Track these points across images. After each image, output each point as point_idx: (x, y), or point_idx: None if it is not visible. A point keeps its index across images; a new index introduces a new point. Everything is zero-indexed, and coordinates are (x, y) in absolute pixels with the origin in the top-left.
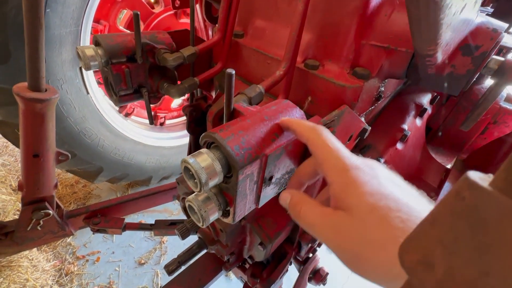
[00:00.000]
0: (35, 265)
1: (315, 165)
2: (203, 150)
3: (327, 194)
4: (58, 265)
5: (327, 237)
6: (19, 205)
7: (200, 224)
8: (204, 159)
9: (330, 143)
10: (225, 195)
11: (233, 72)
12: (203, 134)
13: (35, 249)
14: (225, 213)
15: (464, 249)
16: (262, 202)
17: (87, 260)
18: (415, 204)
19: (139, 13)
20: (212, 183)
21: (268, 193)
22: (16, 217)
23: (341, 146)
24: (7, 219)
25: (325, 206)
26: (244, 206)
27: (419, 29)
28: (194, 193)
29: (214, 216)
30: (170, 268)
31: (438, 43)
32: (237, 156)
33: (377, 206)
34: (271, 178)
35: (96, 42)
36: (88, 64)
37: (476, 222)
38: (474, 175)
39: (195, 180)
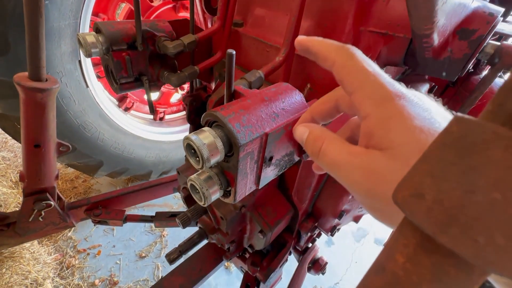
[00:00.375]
0: (36, 258)
1: (337, 99)
2: (205, 128)
3: (347, 133)
4: (59, 258)
5: (356, 179)
6: (20, 198)
7: (202, 203)
8: (206, 136)
9: (368, 64)
10: (226, 174)
11: (234, 52)
12: (205, 113)
13: (36, 242)
14: (226, 194)
15: (451, 174)
16: (263, 183)
17: (88, 254)
18: None
19: None
20: (214, 160)
21: (268, 174)
22: (17, 209)
23: (380, 71)
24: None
25: (354, 145)
26: (245, 186)
27: (416, 4)
28: (196, 173)
29: (215, 195)
30: (171, 257)
31: (434, 21)
32: (238, 133)
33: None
34: (271, 158)
35: (96, 29)
36: (89, 51)
37: (463, 148)
38: (463, 114)
39: (197, 158)
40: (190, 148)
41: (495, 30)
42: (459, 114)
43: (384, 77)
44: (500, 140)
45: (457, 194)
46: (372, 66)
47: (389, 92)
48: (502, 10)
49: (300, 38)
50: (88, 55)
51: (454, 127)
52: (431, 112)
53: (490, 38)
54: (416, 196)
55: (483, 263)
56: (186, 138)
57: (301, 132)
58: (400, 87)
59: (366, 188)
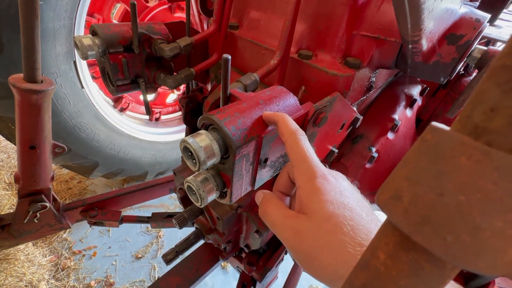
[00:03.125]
0: (31, 260)
1: (287, 171)
2: (202, 131)
3: (285, 173)
4: (55, 260)
5: (287, 237)
6: (14, 200)
7: (198, 204)
8: (203, 139)
9: (306, 150)
10: (222, 175)
11: (229, 57)
12: (201, 116)
13: (30, 244)
14: (222, 195)
15: (425, 179)
16: (258, 184)
17: (83, 255)
18: (365, 215)
19: (135, 3)
20: (210, 162)
21: (264, 175)
22: (12, 211)
23: (314, 155)
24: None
25: (290, 210)
26: (241, 187)
27: (403, 13)
28: (193, 175)
29: (212, 196)
30: (168, 257)
31: (422, 28)
32: (233, 136)
33: (334, 214)
34: (266, 160)
35: (93, 32)
36: (86, 54)
37: (435, 155)
38: (437, 124)
39: (194, 160)
40: (187, 150)
41: (482, 34)
42: (433, 123)
43: (315, 160)
44: (465, 149)
45: (429, 196)
46: (309, 151)
47: (315, 172)
48: (488, 16)
49: (268, 113)
50: (85, 57)
51: (429, 135)
52: (341, 188)
53: (478, 42)
54: (395, 198)
55: (452, 258)
56: (183, 141)
57: (258, 196)
58: (323, 170)
59: (294, 244)
